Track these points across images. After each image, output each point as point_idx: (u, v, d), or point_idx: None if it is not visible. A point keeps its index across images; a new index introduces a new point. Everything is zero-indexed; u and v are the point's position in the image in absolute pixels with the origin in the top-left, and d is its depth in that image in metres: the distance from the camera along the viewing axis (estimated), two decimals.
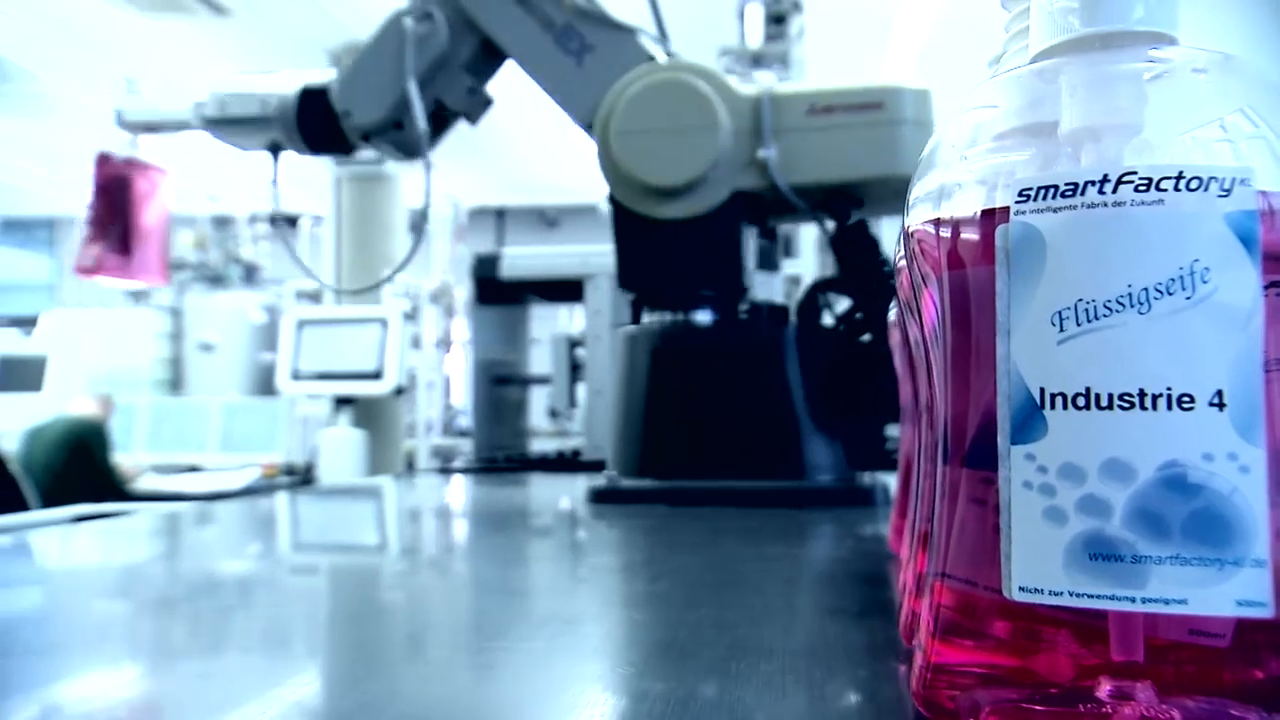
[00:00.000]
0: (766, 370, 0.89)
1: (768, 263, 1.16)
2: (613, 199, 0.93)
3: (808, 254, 2.50)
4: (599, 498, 0.87)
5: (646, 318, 0.99)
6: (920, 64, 5.33)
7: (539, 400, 2.06)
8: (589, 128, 0.95)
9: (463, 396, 5.14)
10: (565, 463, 1.51)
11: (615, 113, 0.90)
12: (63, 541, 0.76)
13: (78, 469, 3.24)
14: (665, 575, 0.53)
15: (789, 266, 2.16)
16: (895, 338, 0.52)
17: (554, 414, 3.59)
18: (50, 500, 2.69)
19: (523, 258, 1.67)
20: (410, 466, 3.77)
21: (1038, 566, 0.23)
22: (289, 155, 1.15)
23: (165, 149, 1.31)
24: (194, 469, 4.00)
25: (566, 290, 1.67)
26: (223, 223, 5.30)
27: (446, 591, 0.53)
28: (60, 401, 3.77)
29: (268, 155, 1.14)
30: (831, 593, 0.50)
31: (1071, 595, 0.23)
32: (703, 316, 0.95)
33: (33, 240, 8.84)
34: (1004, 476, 0.24)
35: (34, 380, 4.22)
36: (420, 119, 1.01)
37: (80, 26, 4.69)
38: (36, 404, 3.94)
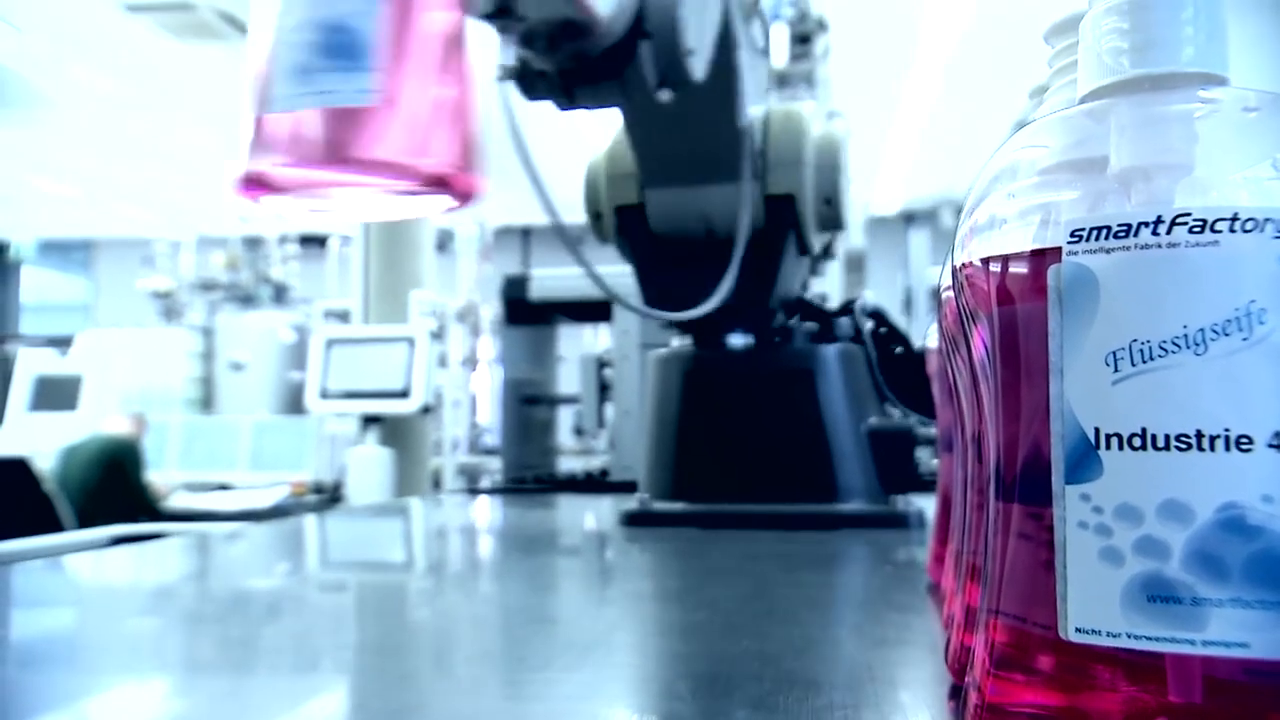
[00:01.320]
0: (799, 392, 0.89)
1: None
2: (794, 219, 0.93)
3: (833, 274, 2.50)
4: (632, 521, 0.88)
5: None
6: (946, 83, 5.32)
7: (564, 419, 2.06)
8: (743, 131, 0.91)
9: (488, 414, 5.16)
10: (594, 483, 1.51)
11: (845, 142, 0.96)
12: (98, 561, 0.77)
13: (112, 487, 3.28)
14: (704, 604, 0.53)
15: (815, 285, 2.15)
16: (934, 365, 0.52)
17: (579, 432, 3.59)
18: (85, 518, 2.73)
19: (552, 279, 1.68)
20: (436, 484, 3.78)
21: (1094, 608, 0.23)
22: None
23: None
24: (224, 487, 4.04)
25: (595, 311, 1.67)
26: (253, 243, 5.37)
27: (485, 619, 0.54)
28: (95, 420, 3.83)
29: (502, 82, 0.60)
30: (872, 622, 0.50)
31: (1129, 637, 0.23)
32: (735, 339, 0.95)
33: (69, 262, 9.02)
34: (1059, 516, 0.24)
35: (69, 399, 4.30)
36: (744, 78, 0.82)
37: (115, 54, 4.79)
38: (72, 423, 4.01)
